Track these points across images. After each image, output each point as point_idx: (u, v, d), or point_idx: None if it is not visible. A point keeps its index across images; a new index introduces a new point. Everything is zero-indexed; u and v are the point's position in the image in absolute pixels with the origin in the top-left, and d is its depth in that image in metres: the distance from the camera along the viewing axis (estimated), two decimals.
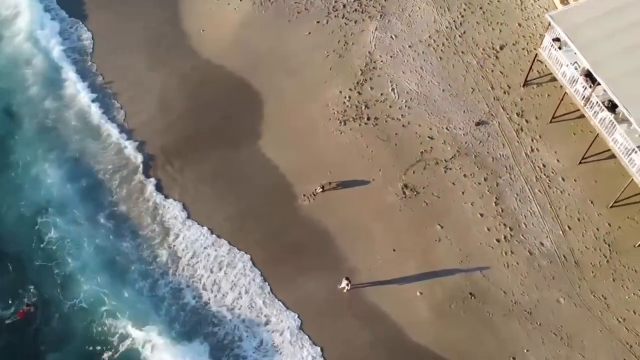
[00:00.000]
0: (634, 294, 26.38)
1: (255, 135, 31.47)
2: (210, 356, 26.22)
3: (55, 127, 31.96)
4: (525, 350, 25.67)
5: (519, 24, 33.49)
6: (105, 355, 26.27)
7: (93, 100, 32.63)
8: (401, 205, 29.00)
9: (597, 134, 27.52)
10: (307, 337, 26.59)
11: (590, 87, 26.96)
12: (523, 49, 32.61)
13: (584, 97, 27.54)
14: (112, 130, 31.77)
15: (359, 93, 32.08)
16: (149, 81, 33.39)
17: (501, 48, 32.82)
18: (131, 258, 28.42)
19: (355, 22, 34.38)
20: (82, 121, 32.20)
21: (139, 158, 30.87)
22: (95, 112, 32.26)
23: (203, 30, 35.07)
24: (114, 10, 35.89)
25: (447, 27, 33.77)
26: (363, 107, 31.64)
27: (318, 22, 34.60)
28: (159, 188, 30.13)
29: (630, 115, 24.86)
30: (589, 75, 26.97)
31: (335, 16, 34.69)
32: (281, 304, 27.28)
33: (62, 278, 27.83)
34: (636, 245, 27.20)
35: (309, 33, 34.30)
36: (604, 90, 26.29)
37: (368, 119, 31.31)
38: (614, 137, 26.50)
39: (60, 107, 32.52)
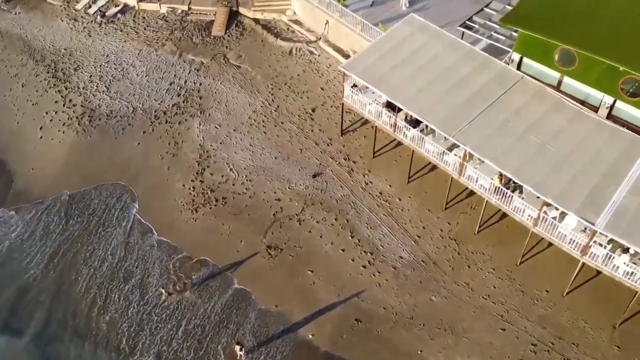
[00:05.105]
0: (488, 272, 29.85)
1: None
2: None
3: None
4: (419, 351, 27.68)
5: (322, 88, 38.08)
6: None
7: None
8: (270, 265, 30.64)
9: (412, 151, 31.75)
10: None
11: (394, 114, 31.37)
12: (331, 106, 36.99)
13: (391, 124, 31.86)
14: None
15: (201, 181, 34.02)
16: None
17: (313, 110, 36.95)
18: None
19: (179, 122, 36.86)
20: None
21: None
22: None
23: (32, 169, 35.36)
24: None
25: (262, 106, 37.40)
26: (209, 192, 33.52)
27: (144, 132, 36.56)
28: None
29: (431, 123, 29.33)
30: (389, 105, 31.46)
31: (159, 123, 36.94)
32: None
33: None
34: (475, 233, 31.08)
35: (139, 144, 36.05)
36: (405, 113, 30.86)
37: (216, 200, 33.16)
38: (426, 148, 30.81)
39: None
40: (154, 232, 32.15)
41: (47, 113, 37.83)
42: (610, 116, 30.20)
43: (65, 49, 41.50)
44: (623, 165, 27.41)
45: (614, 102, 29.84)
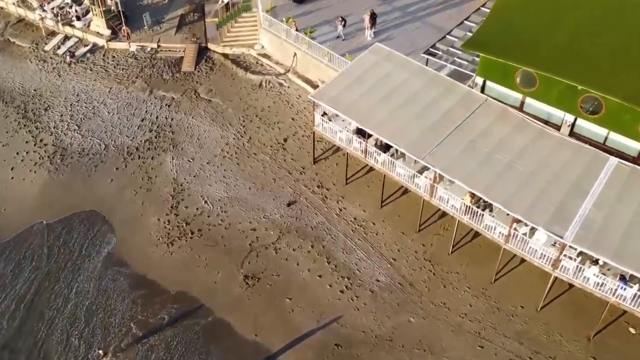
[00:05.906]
0: (464, 291, 30.30)
1: None
2: None
3: None
4: None
5: (293, 119, 38.71)
6: None
7: None
8: (248, 294, 30.68)
9: (384, 175, 32.35)
10: None
11: (364, 140, 32.01)
12: (303, 135, 37.58)
13: (362, 150, 32.49)
14: None
15: (176, 214, 34.10)
16: None
17: (285, 140, 37.48)
18: None
19: (152, 158, 37.03)
20: None
21: None
22: None
23: (4, 210, 35.08)
24: None
25: (234, 139, 37.82)
26: (184, 225, 33.60)
27: (117, 168, 36.62)
28: None
29: (401, 147, 30.02)
30: (359, 132, 32.13)
31: (132, 159, 37.05)
32: None
33: None
34: (449, 253, 31.60)
35: (112, 180, 36.07)
36: (375, 139, 31.55)
37: (192, 233, 33.24)
38: (397, 171, 31.43)
39: None
40: (129, 266, 32.03)
41: (18, 153, 37.70)
42: (572, 134, 31.31)
43: (35, 90, 41.60)
44: (587, 180, 28.32)
45: (575, 120, 31.00)
